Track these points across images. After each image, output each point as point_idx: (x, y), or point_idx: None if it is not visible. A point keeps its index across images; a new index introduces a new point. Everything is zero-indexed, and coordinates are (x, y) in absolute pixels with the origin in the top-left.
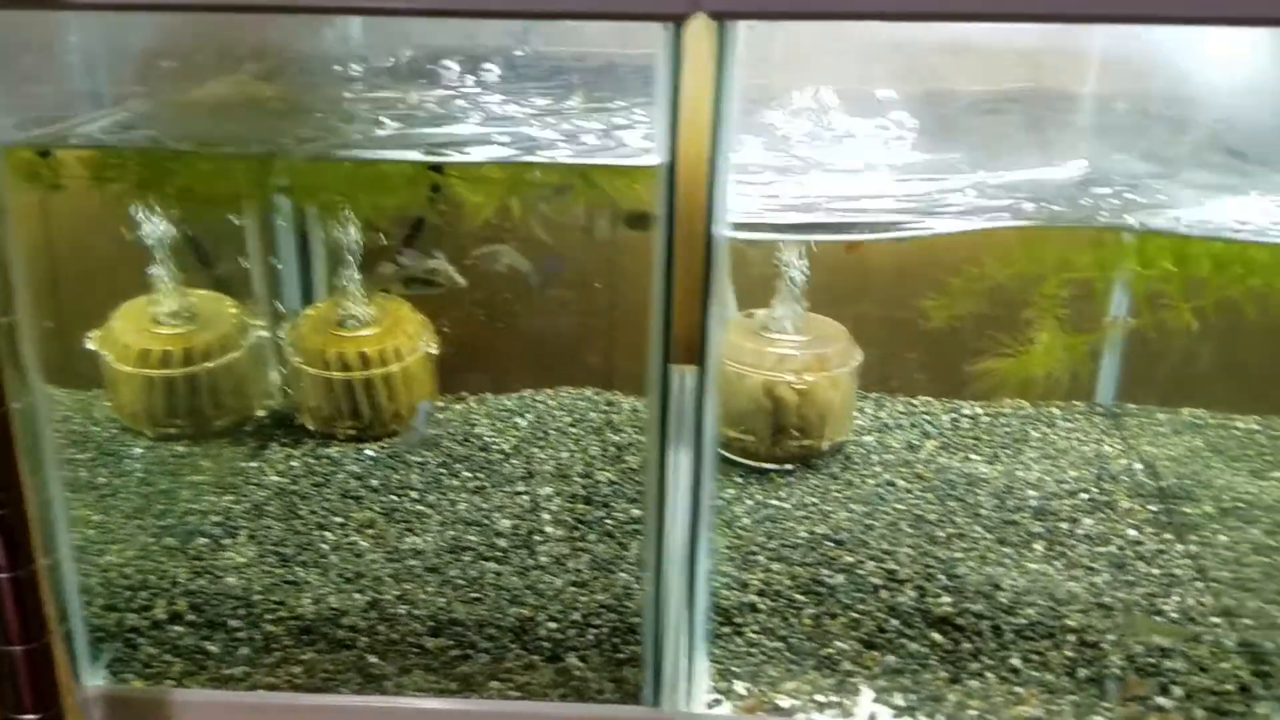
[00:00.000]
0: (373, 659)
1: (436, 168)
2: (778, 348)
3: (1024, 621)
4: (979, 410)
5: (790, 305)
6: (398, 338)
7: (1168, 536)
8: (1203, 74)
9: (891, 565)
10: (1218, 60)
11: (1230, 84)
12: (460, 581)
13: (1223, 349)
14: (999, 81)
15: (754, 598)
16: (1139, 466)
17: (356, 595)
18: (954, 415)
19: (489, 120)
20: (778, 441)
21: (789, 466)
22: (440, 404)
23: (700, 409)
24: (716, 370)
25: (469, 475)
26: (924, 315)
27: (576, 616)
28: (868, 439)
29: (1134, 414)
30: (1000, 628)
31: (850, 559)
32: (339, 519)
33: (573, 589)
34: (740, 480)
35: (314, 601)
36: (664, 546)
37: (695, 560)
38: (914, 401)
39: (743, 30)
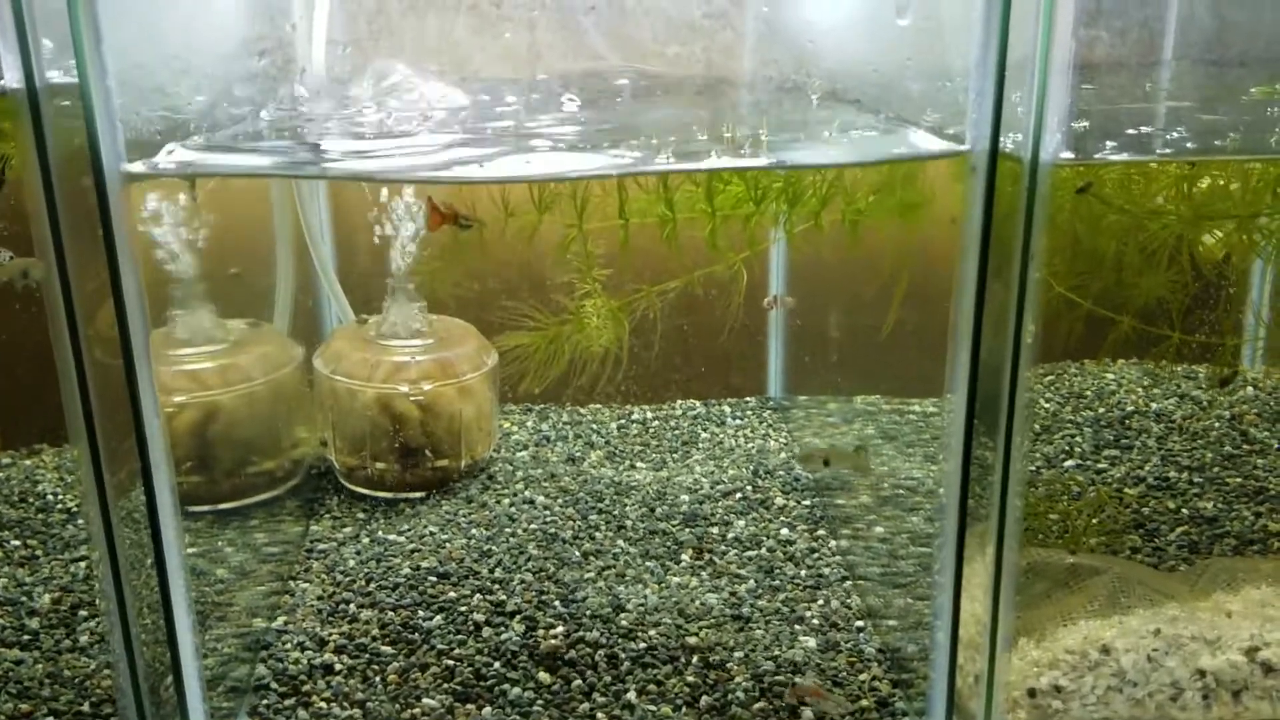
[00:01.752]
0: None
1: None
2: (392, 355)
3: (644, 646)
4: (649, 414)
5: (404, 304)
6: None
7: (821, 533)
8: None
9: (501, 596)
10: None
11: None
12: None
13: (898, 334)
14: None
15: (330, 657)
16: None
17: None
18: (622, 422)
19: None
20: (409, 465)
21: (420, 494)
22: (6, 460)
23: (141, 435)
24: (152, 378)
25: (16, 544)
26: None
27: (85, 707)
28: (522, 454)
29: (804, 405)
30: (618, 656)
31: (454, 594)
32: None
33: (107, 670)
34: (363, 515)
35: None
36: (128, 615)
37: (174, 629)
38: (581, 410)
39: None
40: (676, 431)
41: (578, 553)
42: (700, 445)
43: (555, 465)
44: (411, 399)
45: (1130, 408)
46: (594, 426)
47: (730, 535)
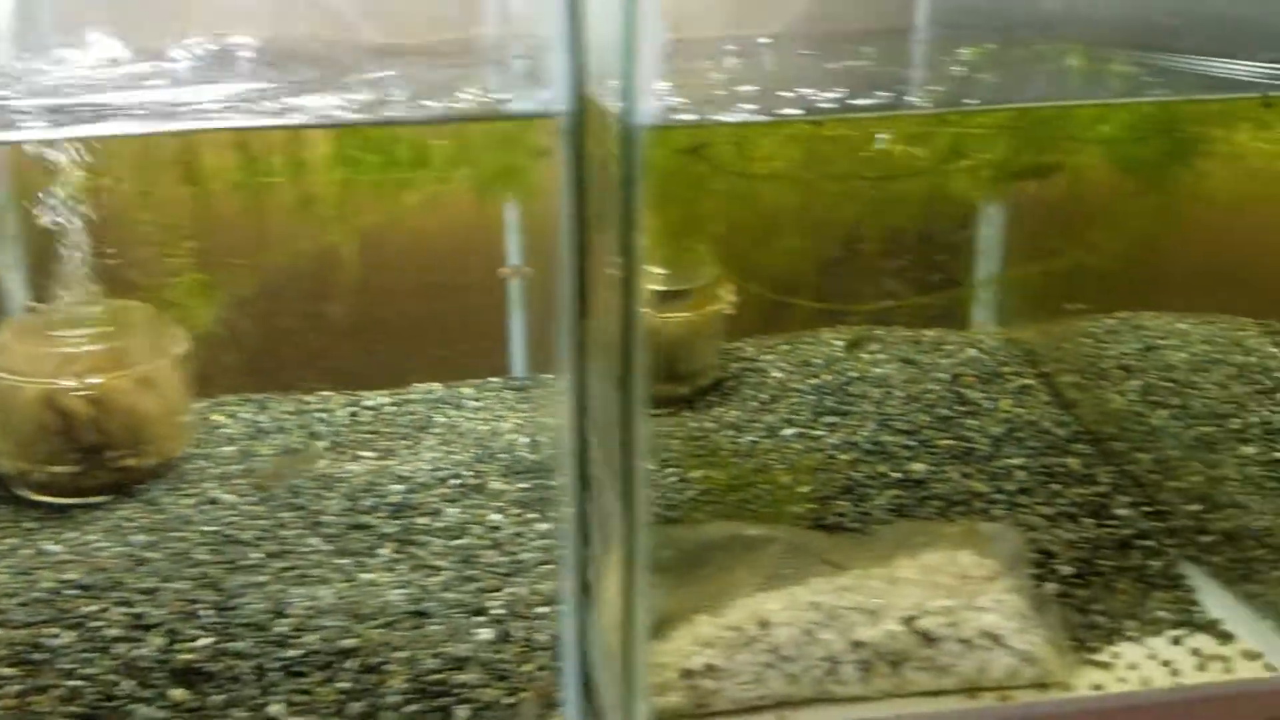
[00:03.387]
0: None
1: None
2: (59, 347)
3: (299, 653)
4: (384, 400)
5: (74, 289)
6: None
7: (531, 516)
8: None
9: (144, 608)
10: None
11: None
12: None
13: None
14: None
15: None
16: (524, 441)
17: None
18: (354, 409)
19: None
20: (87, 467)
21: (104, 498)
22: None
23: None
24: None
25: None
26: None
27: None
28: (228, 449)
29: (548, 384)
30: (266, 667)
31: (93, 608)
32: None
33: None
34: (33, 525)
35: None
36: None
37: None
38: (308, 399)
39: None
40: (412, 417)
41: (256, 555)
42: (434, 430)
43: (265, 460)
44: (80, 394)
45: (854, 374)
46: (320, 415)
47: (438, 525)
